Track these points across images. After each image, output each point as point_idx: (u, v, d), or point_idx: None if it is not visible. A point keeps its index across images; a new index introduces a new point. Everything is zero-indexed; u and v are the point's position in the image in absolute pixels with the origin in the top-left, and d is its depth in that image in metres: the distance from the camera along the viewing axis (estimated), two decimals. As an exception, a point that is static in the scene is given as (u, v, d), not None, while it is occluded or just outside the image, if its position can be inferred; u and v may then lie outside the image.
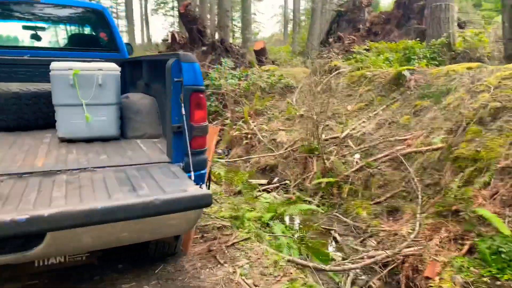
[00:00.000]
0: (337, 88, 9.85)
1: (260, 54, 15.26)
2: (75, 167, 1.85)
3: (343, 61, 11.47)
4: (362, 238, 5.00)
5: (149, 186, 1.64)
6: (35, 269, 1.85)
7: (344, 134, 7.49)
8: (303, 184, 7.03)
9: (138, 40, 39.18)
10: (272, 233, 4.02)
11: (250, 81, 11.83)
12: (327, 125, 8.39)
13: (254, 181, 7.17)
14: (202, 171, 2.04)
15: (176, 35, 14.73)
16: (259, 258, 3.29)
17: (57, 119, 2.45)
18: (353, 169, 6.25)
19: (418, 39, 10.92)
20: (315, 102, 7.96)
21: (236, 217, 3.99)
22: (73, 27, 4.66)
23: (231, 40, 19.22)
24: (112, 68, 2.50)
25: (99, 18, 4.15)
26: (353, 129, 7.60)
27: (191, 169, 1.91)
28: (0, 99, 2.63)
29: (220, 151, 9.84)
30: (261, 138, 9.13)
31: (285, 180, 7.37)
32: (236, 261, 3.20)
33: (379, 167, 5.95)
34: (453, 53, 9.93)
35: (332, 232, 5.28)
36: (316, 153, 7.07)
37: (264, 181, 7.28)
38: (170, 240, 2.88)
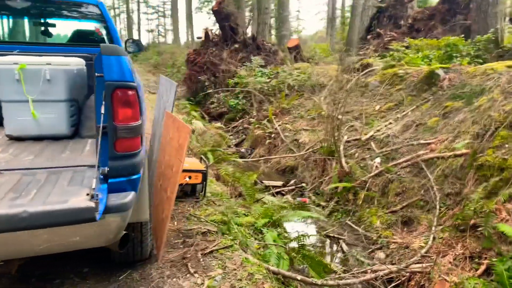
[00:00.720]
0: (366, 87, 9.35)
1: (294, 51, 14.91)
2: None
3: (380, 59, 10.90)
4: (370, 250, 4.62)
5: (37, 194, 1.47)
6: None
7: (367, 136, 7.04)
8: (320, 187, 6.69)
9: (183, 38, 39.88)
10: (263, 241, 3.77)
11: (279, 79, 11.54)
12: (352, 126, 7.97)
13: (268, 183, 6.93)
14: (133, 177, 1.84)
15: (210, 33, 14.72)
16: (235, 269, 3.06)
17: (4, 115, 2.35)
18: (371, 174, 5.82)
19: (463, 35, 10.11)
20: (339, 101, 7.56)
21: (224, 222, 3.77)
22: (67, 22, 4.66)
23: (268, 38, 18.97)
24: (63, 63, 2.37)
25: (94, 12, 4.09)
26: (378, 130, 7.14)
27: (110, 174, 1.73)
28: None
29: (243, 150, 9.67)
30: (284, 138, 8.85)
31: (302, 182, 7.06)
32: (209, 271, 2.98)
33: (398, 173, 5.50)
34: (501, 50, 9.08)
35: (341, 241, 4.93)
36: (336, 155, 6.69)
37: (279, 183, 7.01)
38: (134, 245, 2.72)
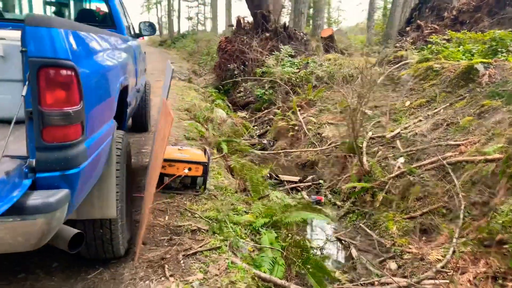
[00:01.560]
0: (398, 81, 8.76)
1: (328, 41, 14.33)
2: None
3: (417, 52, 10.21)
4: (382, 259, 4.22)
5: None
6: None
7: (393, 133, 6.54)
8: (338, 186, 6.29)
9: (221, 27, 39.73)
10: (258, 243, 3.47)
11: (308, 70, 11.09)
12: (379, 122, 7.46)
13: (284, 177, 6.61)
14: (67, 172, 1.59)
15: (242, 21, 14.42)
16: (218, 275, 2.79)
17: None
18: (392, 175, 5.37)
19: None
20: (366, 94, 7.07)
21: (218, 220, 3.50)
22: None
23: (304, 27, 18.40)
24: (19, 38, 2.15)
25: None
26: (405, 128, 6.62)
27: (38, 168, 1.49)
28: None
29: (265, 141, 9.36)
30: (307, 131, 8.45)
31: (320, 179, 6.68)
32: (187, 276, 2.73)
33: (421, 176, 5.02)
34: (553, 46, 8.21)
35: (351, 246, 4.56)
36: (357, 152, 6.25)
37: (295, 178, 6.67)
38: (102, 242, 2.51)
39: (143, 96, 5.54)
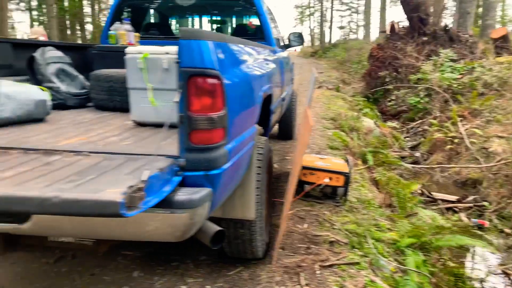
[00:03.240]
0: None
1: (500, 43, 12.47)
2: (86, 149, 1.85)
3: None
4: None
5: (91, 180, 1.46)
6: (49, 243, 1.97)
7: None
8: (507, 209, 5.34)
9: (374, 34, 38.45)
10: (401, 265, 3.15)
11: (473, 76, 9.82)
12: None
13: (438, 195, 5.93)
14: (210, 172, 1.68)
15: (396, 26, 13.67)
16: (353, 292, 2.63)
17: (130, 102, 2.54)
18: None
19: None
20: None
21: (358, 234, 3.31)
22: (220, 16, 4.87)
23: (470, 28, 16.42)
24: (179, 52, 2.39)
25: (248, 5, 4.16)
26: None
27: (186, 167, 1.63)
28: (117, 82, 2.95)
29: (417, 154, 8.61)
30: (469, 145, 7.46)
31: (484, 200, 5.79)
32: (322, 287, 2.65)
33: None
34: None
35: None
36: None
37: (452, 197, 5.92)
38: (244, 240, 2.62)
39: (289, 105, 5.69)
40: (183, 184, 1.71)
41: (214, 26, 5.69)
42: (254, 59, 2.65)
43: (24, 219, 1.60)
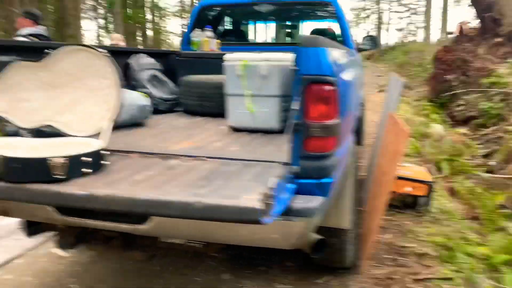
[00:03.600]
0: None
1: None
2: (201, 154, 1.90)
3: None
4: None
5: (220, 185, 1.49)
6: (159, 244, 2.06)
7: None
8: None
9: (435, 35, 36.79)
10: (498, 283, 2.95)
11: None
12: None
13: (522, 208, 5.51)
14: (322, 180, 1.67)
15: (464, 26, 12.99)
16: (451, 309, 2.50)
17: (228, 108, 2.59)
18: None
19: None
20: None
21: (448, 247, 3.15)
22: (297, 21, 4.84)
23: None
24: (279, 59, 2.41)
25: (328, 10, 4.13)
26: None
27: (300, 175, 1.61)
28: (208, 89, 3.03)
29: (493, 163, 8.08)
30: (554, 154, 6.89)
31: None
32: (416, 302, 2.55)
33: None
34: None
35: None
36: None
37: (538, 211, 5.47)
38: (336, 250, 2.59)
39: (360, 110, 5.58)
40: (296, 192, 1.71)
41: (285, 31, 5.72)
42: (352, 65, 2.62)
43: (143, 221, 1.68)
